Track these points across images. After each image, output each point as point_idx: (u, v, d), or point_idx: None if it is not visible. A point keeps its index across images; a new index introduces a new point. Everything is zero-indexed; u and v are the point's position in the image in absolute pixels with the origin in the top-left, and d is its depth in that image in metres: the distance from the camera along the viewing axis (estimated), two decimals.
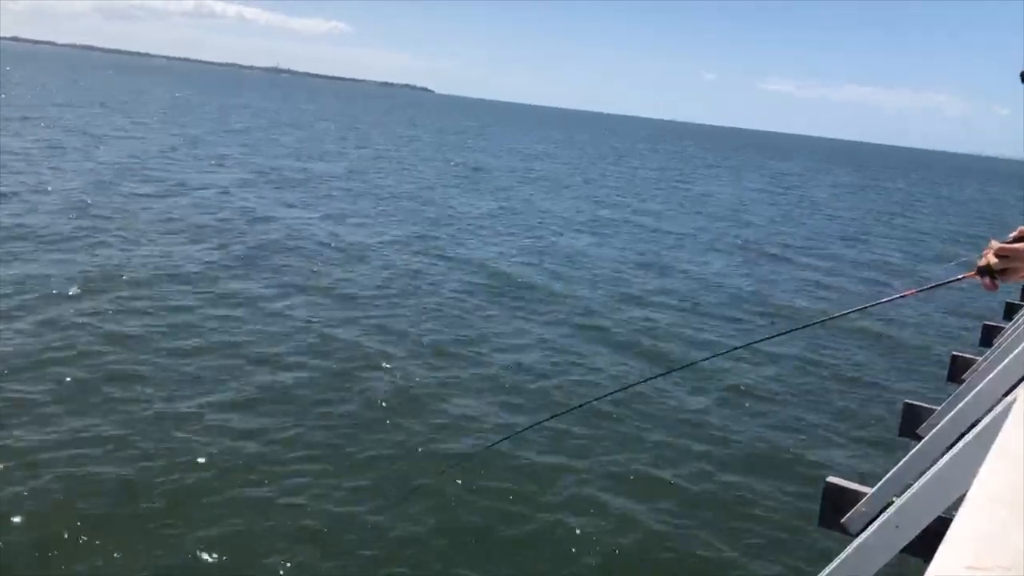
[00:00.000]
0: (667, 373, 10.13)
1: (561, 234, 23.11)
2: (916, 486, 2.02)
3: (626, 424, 9.50)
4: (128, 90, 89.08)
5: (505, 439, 7.62)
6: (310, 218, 20.96)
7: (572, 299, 15.33)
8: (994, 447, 1.30)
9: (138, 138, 36.84)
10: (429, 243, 19.35)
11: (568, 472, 8.17)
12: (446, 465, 7.85)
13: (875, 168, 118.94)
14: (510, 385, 10.45)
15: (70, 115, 44.92)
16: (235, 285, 13.62)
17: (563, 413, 7.66)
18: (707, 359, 9.99)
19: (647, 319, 14.57)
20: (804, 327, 13.33)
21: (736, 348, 10.83)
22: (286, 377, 9.80)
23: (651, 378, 9.47)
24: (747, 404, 10.72)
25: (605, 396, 8.74)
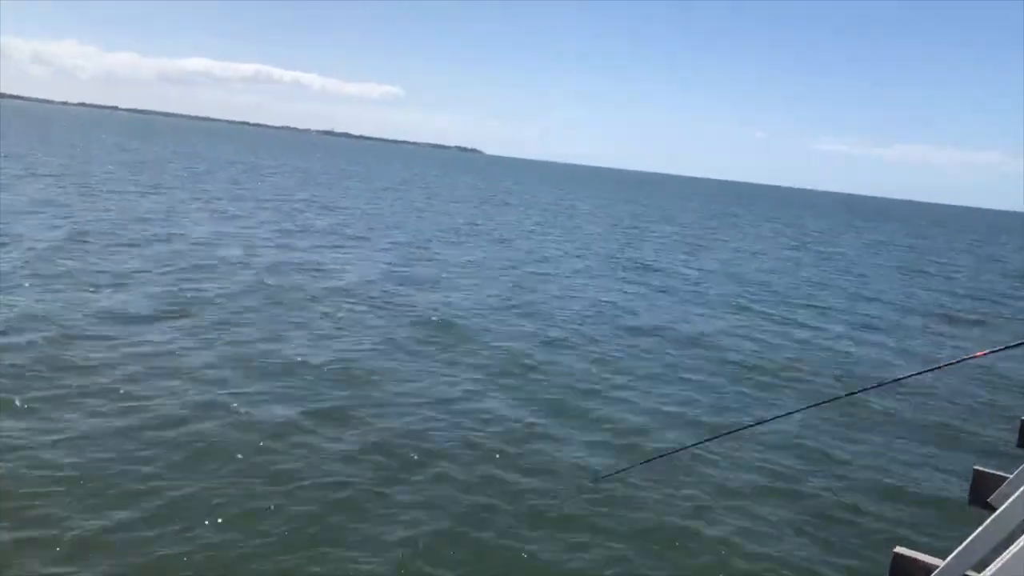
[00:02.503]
0: (725, 434, 9.94)
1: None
2: (998, 563, 1.92)
3: (686, 479, 9.35)
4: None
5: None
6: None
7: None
8: None
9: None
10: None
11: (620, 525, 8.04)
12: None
13: (932, 227, 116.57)
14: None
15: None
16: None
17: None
18: (768, 420, 9.77)
19: (723, 373, 14.36)
20: (870, 388, 13.01)
21: (794, 411, 10.65)
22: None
23: (706, 440, 9.32)
24: (809, 467, 10.42)
25: (687, 447, 8.98)
